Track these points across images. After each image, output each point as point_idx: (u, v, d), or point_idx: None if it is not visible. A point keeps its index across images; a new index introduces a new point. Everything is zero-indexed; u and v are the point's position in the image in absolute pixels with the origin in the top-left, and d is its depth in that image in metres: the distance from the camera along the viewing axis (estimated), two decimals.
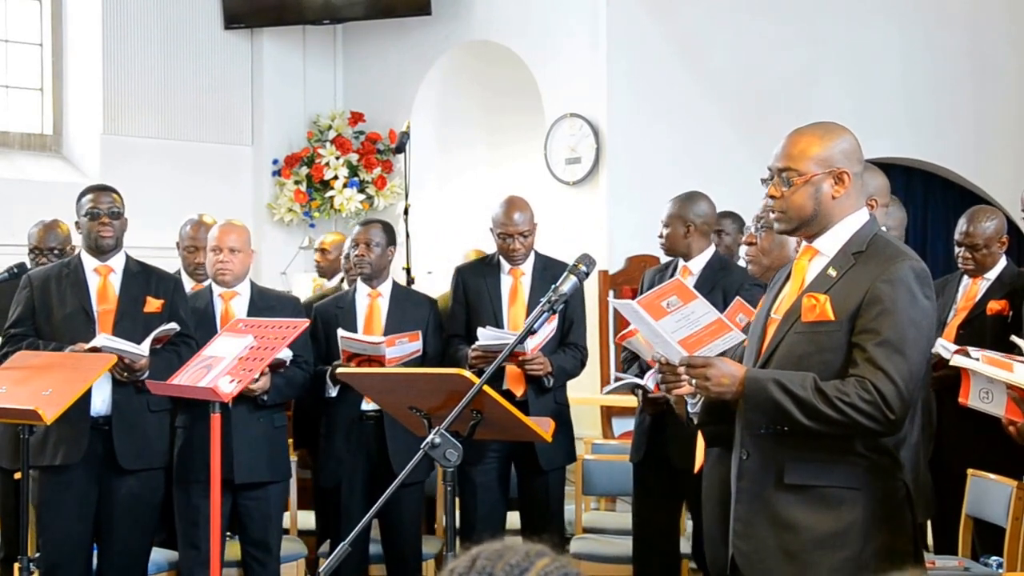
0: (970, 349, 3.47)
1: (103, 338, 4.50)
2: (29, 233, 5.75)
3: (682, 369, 2.99)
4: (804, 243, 3.02)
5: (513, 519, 5.37)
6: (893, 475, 2.90)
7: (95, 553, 4.77)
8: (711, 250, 4.94)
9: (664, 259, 5.24)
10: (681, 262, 4.96)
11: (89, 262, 4.78)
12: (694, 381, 2.93)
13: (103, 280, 4.75)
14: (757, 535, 2.94)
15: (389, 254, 5.16)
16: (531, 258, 5.18)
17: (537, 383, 4.99)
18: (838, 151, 2.93)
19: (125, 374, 4.55)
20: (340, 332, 4.88)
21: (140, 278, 4.80)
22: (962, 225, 5.35)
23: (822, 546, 2.86)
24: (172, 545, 5.02)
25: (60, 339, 4.61)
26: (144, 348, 4.52)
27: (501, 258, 5.17)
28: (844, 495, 2.86)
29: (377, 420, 4.93)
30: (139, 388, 4.62)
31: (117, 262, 4.80)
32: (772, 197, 2.97)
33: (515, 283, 5.14)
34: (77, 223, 4.82)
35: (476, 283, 5.17)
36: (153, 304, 4.76)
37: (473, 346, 4.90)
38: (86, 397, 4.50)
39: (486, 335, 4.86)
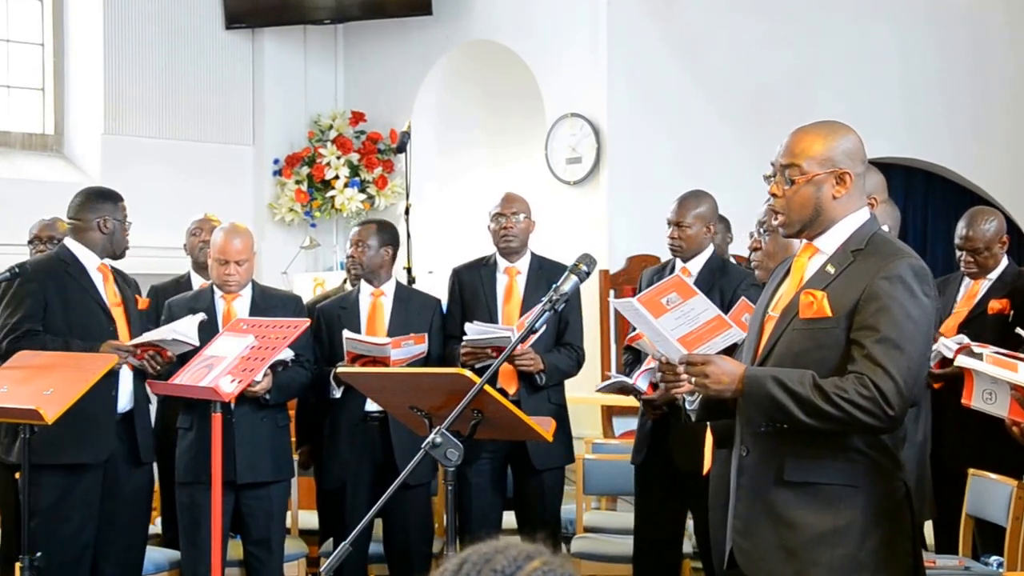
0: (974, 345, 3.47)
1: (167, 329, 4.61)
2: (30, 228, 5.78)
3: (681, 368, 2.98)
4: (804, 241, 3.02)
5: (510, 519, 5.37)
6: (893, 474, 2.90)
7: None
8: (710, 250, 4.92)
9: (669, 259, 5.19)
10: (679, 262, 4.94)
11: (91, 261, 4.79)
12: (693, 379, 2.93)
13: (105, 278, 4.82)
14: (756, 532, 2.95)
15: (384, 254, 5.13)
16: (527, 257, 5.18)
17: (529, 381, 4.98)
18: (841, 151, 2.93)
19: (159, 367, 4.65)
20: (345, 333, 4.87)
21: (121, 278, 4.95)
22: (961, 229, 5.31)
23: (821, 543, 2.86)
24: (176, 544, 5.03)
25: (84, 337, 4.65)
26: (194, 336, 4.60)
27: (497, 257, 5.17)
28: (843, 493, 2.86)
29: (382, 421, 4.93)
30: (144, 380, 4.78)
31: (110, 262, 4.90)
32: (773, 195, 2.97)
33: (511, 282, 5.15)
34: (103, 221, 4.79)
35: (472, 282, 5.17)
36: (142, 303, 4.96)
37: (462, 341, 4.90)
38: (111, 395, 4.61)
39: (474, 330, 4.85)
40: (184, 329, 4.58)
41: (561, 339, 5.12)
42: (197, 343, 4.57)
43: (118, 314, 4.78)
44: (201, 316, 4.67)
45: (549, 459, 5.03)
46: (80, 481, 4.64)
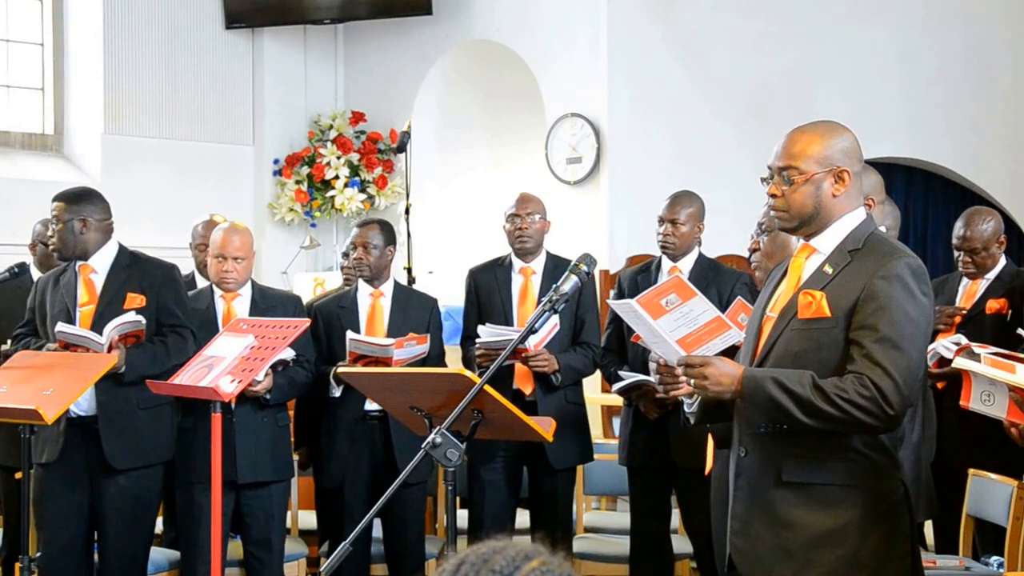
0: (973, 345, 3.46)
1: (60, 326, 4.51)
2: (34, 229, 5.77)
3: (680, 370, 2.98)
4: (801, 241, 3.03)
5: (523, 518, 5.36)
6: (891, 474, 2.90)
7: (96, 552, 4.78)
8: (697, 250, 4.97)
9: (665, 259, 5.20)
10: (667, 262, 4.96)
11: (76, 263, 4.79)
12: (692, 381, 2.93)
13: (84, 279, 4.74)
14: (755, 532, 2.95)
15: (388, 254, 5.12)
16: (542, 257, 5.18)
17: (545, 381, 4.98)
18: (838, 150, 2.94)
19: None
20: (349, 334, 4.86)
21: (125, 273, 4.75)
22: (959, 229, 5.31)
23: (819, 544, 2.87)
24: (177, 545, 5.03)
25: (50, 339, 4.63)
26: (103, 339, 4.46)
27: (513, 257, 5.18)
28: (842, 493, 2.86)
29: (381, 420, 4.92)
30: (119, 382, 4.56)
31: (99, 260, 4.74)
32: (772, 196, 2.97)
33: (526, 282, 5.15)
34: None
35: (488, 282, 5.17)
36: (134, 300, 4.67)
37: (476, 344, 4.90)
38: None
39: (486, 332, 4.86)
40: (75, 331, 4.47)
41: (578, 339, 5.12)
42: (101, 341, 4.44)
43: (85, 314, 4.65)
44: (132, 316, 4.59)
45: (567, 459, 5.04)
46: (52, 480, 4.57)
